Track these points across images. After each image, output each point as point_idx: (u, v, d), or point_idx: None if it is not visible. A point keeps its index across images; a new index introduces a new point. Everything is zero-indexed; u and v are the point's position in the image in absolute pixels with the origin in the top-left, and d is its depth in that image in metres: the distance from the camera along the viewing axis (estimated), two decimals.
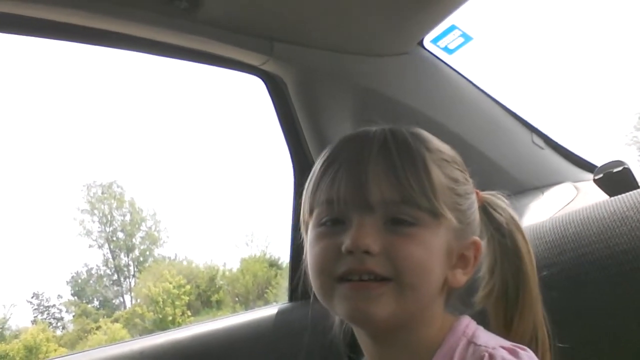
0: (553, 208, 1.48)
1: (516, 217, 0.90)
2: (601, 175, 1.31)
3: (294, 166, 1.50)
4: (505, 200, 0.91)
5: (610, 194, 1.22)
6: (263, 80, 1.46)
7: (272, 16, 1.30)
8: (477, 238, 0.86)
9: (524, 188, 1.63)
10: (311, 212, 0.86)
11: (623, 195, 1.08)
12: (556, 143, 1.70)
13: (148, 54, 1.33)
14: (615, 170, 1.29)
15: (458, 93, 1.56)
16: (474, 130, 1.57)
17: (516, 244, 0.88)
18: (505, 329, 0.86)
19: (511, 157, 1.64)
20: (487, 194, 0.91)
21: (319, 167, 0.86)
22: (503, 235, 0.88)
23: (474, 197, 0.87)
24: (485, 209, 0.90)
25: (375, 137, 0.83)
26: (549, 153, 1.69)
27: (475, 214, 0.87)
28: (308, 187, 0.87)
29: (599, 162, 1.43)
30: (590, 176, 1.41)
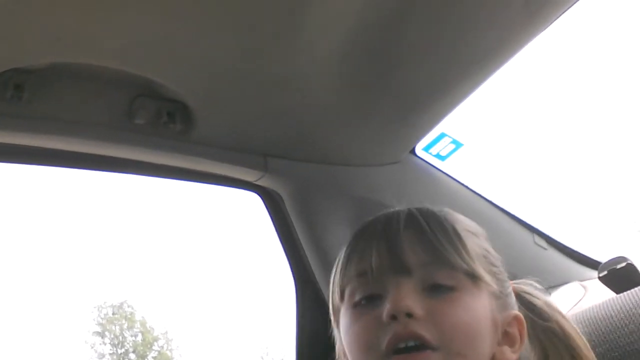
0: (562, 309, 1.44)
1: (550, 301, 0.87)
2: (605, 273, 1.29)
3: (294, 278, 1.48)
4: (538, 286, 0.88)
5: (617, 291, 1.20)
6: (259, 195, 1.47)
7: (264, 133, 1.33)
8: (518, 312, 0.82)
9: None
10: (342, 294, 0.82)
11: (629, 292, 1.07)
12: (558, 242, 1.69)
13: (144, 175, 1.36)
14: (618, 266, 1.28)
15: (454, 198, 1.57)
16: None
17: (562, 327, 0.84)
18: None
19: (514, 259, 1.61)
20: (518, 282, 0.88)
21: (345, 249, 0.84)
22: (546, 320, 0.84)
23: (507, 278, 0.84)
24: (520, 296, 0.86)
25: (400, 212, 0.83)
26: (552, 253, 1.67)
27: (512, 291, 0.84)
28: (336, 271, 0.84)
29: (604, 258, 1.41)
30: (596, 273, 1.39)
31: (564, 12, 1.15)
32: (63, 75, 1.12)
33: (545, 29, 1.18)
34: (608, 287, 1.29)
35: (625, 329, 0.99)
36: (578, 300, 1.47)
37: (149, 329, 18.82)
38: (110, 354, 18.26)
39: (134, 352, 18.45)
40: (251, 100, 1.24)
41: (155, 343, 18.75)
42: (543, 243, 1.68)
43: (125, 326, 18.58)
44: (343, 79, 1.24)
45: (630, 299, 1.03)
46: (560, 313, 0.87)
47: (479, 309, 0.77)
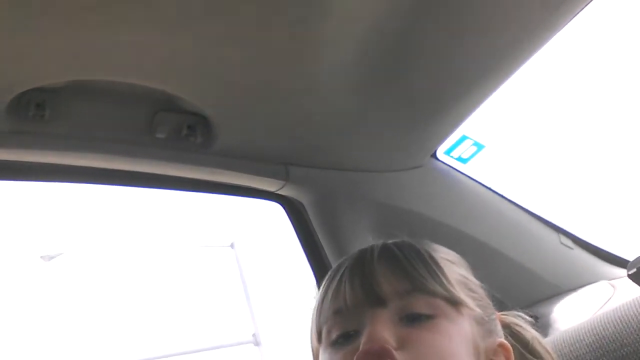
0: (591, 309, 1.42)
1: (539, 336, 0.85)
2: (634, 270, 1.27)
3: (318, 286, 1.47)
4: (527, 318, 0.86)
5: None
6: (281, 205, 1.47)
7: (285, 142, 1.34)
8: (503, 340, 0.79)
9: (559, 290, 1.57)
10: (319, 335, 0.79)
11: None
12: (585, 241, 1.66)
13: (167, 189, 1.37)
14: None
15: (477, 200, 1.56)
16: (499, 237, 1.55)
17: None
18: None
19: (541, 260, 1.60)
20: (506, 314, 0.86)
21: (320, 290, 0.82)
22: (534, 354, 0.82)
23: (491, 306, 0.82)
24: (510, 327, 0.84)
25: (374, 245, 0.80)
26: (578, 252, 1.65)
27: (496, 318, 0.82)
28: (313, 313, 0.82)
29: (632, 256, 1.39)
30: (624, 272, 1.37)
31: (583, 8, 1.13)
32: (83, 92, 1.14)
33: (564, 26, 1.16)
34: (638, 284, 1.26)
35: None
36: (607, 300, 1.45)
37: None
38: None
39: None
40: (270, 109, 1.24)
41: None
42: (569, 243, 1.66)
43: None
44: (361, 84, 1.23)
45: None
46: (544, 348, 0.84)
47: (458, 335, 0.73)
